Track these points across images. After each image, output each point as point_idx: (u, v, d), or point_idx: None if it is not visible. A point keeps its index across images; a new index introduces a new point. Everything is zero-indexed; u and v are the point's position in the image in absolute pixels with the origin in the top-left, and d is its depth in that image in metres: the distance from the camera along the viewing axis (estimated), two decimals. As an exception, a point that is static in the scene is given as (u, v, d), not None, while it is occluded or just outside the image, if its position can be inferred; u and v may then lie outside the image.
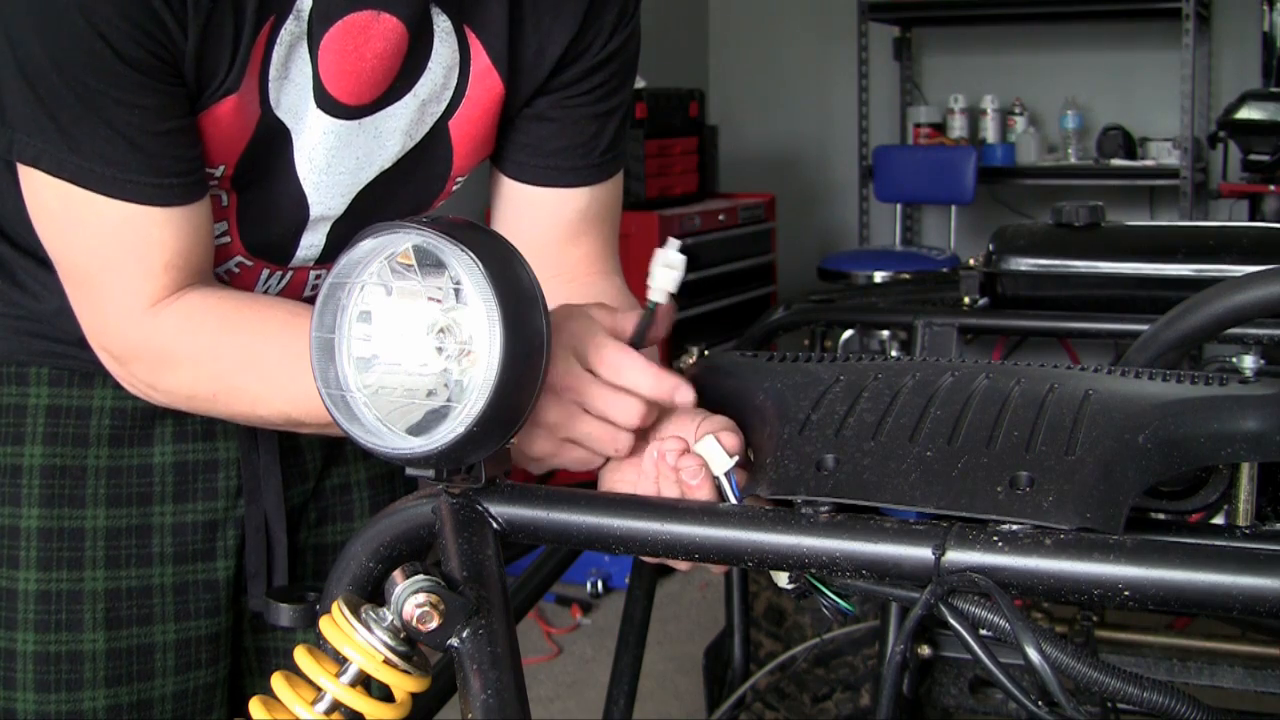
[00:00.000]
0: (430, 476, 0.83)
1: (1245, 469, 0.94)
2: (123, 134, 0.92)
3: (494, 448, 0.81)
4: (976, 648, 0.72)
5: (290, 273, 1.12)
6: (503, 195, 1.16)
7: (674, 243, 0.88)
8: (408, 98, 1.05)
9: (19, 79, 0.91)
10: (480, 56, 1.07)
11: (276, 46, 0.97)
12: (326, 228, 1.09)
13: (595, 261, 1.17)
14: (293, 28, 0.97)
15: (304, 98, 1.00)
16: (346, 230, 1.09)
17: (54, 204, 0.95)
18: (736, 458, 0.84)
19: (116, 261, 0.96)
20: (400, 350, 0.81)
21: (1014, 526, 0.73)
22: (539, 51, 1.08)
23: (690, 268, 4.27)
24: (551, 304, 0.82)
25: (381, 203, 1.09)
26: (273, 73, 0.98)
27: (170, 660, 1.15)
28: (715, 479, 0.83)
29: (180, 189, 0.96)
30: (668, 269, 0.88)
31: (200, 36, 0.92)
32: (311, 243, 1.10)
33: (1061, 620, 1.62)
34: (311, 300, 1.12)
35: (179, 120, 0.95)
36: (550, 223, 1.14)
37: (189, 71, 0.93)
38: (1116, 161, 5.22)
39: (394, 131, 1.06)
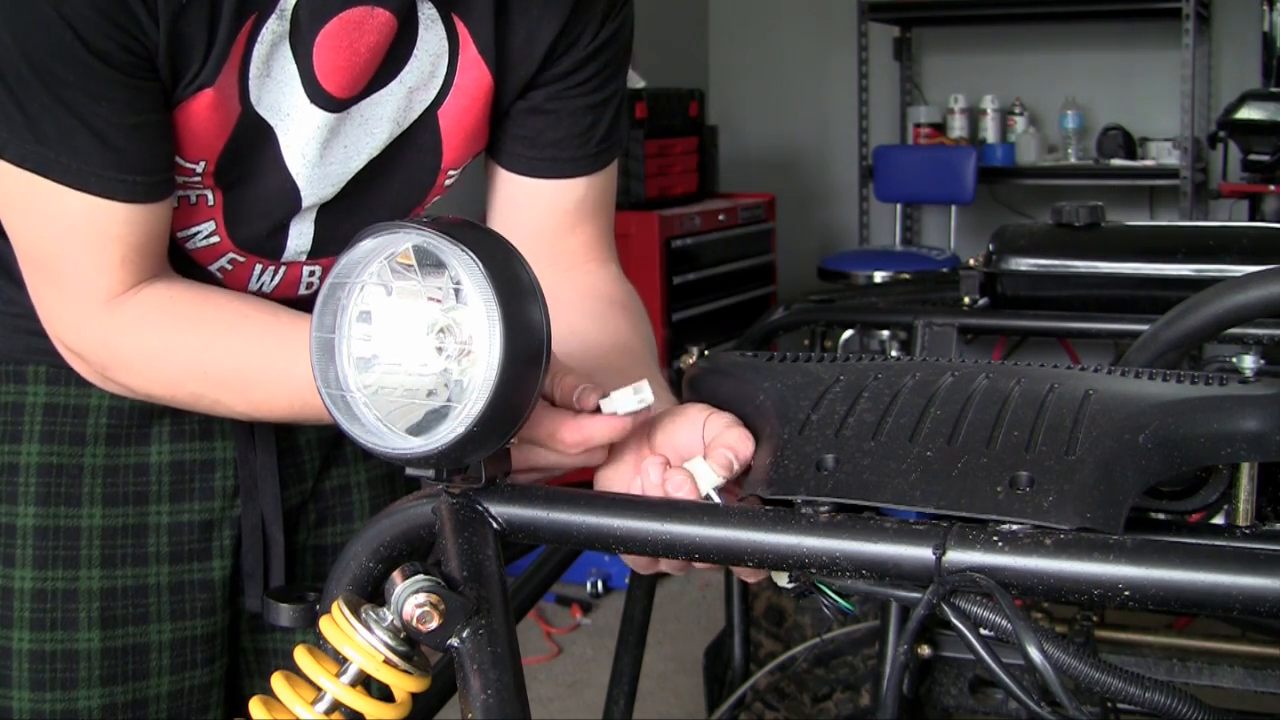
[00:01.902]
0: (430, 476, 0.83)
1: (1245, 469, 0.94)
2: (90, 126, 0.92)
3: (494, 448, 0.81)
4: (979, 648, 0.72)
5: (284, 267, 1.12)
6: (499, 188, 1.16)
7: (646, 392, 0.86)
8: (394, 84, 1.05)
9: None
10: (469, 46, 1.07)
11: (258, 45, 0.96)
12: (313, 215, 1.09)
13: (593, 250, 1.17)
14: (275, 26, 0.97)
15: (286, 94, 1.00)
16: (334, 218, 1.09)
17: (18, 192, 0.95)
18: (723, 479, 0.84)
19: (75, 253, 0.96)
20: (400, 350, 0.80)
21: (1014, 526, 0.73)
22: (528, 40, 1.08)
23: (690, 268, 4.23)
24: (549, 291, 0.82)
25: (371, 191, 1.09)
26: (254, 70, 0.97)
27: (165, 660, 1.15)
28: (704, 496, 0.84)
29: (145, 186, 0.95)
30: (634, 395, 0.86)
31: (172, 28, 0.91)
32: (301, 231, 1.10)
33: (1061, 620, 1.62)
34: (308, 298, 1.13)
35: (149, 115, 0.94)
36: (548, 213, 1.15)
37: (162, 65, 0.93)
38: (1116, 161, 5.22)
39: (381, 118, 1.06)
